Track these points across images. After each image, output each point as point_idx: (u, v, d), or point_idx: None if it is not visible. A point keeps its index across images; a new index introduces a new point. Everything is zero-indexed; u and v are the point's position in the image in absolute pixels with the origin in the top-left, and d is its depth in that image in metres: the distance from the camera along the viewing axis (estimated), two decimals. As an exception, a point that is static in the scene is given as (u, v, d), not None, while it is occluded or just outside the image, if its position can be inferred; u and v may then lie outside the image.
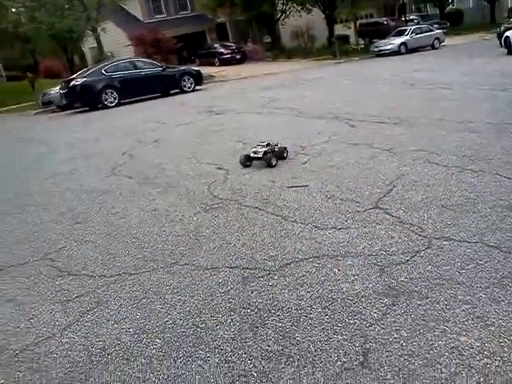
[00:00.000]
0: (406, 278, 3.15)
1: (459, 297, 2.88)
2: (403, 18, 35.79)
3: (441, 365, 2.36)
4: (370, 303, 2.95)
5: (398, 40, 26.44)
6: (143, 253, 4.15)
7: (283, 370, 2.51)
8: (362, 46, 29.73)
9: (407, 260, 3.37)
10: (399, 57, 24.47)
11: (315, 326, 2.81)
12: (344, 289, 3.15)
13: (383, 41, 27.24)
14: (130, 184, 6.40)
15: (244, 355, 2.66)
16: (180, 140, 9.06)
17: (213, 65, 30.69)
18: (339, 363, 2.48)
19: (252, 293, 3.26)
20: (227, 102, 14.03)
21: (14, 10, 34.70)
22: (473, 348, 2.45)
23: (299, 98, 12.35)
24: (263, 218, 4.51)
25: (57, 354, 2.91)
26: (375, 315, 2.82)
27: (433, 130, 7.09)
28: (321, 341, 2.68)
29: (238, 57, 31.57)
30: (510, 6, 40.54)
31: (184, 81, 18.80)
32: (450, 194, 4.48)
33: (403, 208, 4.29)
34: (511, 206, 4.05)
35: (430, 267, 3.25)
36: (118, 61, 19.11)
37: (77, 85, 16.85)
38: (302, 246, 3.82)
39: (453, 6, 42.60)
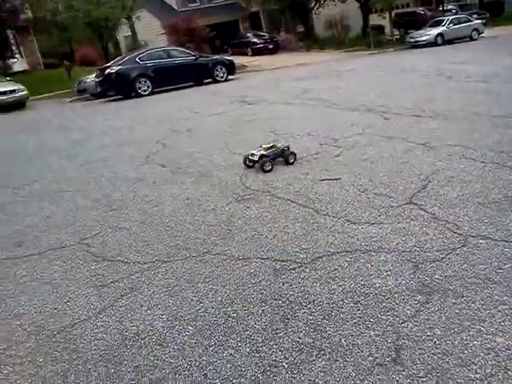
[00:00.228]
0: (440, 275, 3.12)
1: (495, 297, 2.83)
2: (441, 8, 34.98)
3: (476, 365, 2.33)
4: (403, 300, 2.93)
5: (435, 31, 25.87)
6: (176, 241, 4.20)
7: (314, 362, 2.52)
8: (397, 37, 29.19)
9: (442, 258, 3.33)
10: (435, 48, 23.95)
11: (347, 321, 2.81)
12: (377, 284, 3.13)
13: (419, 31, 26.69)
14: (163, 172, 6.47)
15: (275, 346, 2.68)
16: (212, 130, 9.11)
17: (245, 54, 30.62)
18: (371, 358, 2.47)
19: (283, 285, 3.27)
20: (260, 92, 14.01)
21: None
22: (510, 350, 2.41)
23: (332, 89, 12.24)
24: (295, 211, 4.51)
25: (92, 336, 2.99)
26: (408, 312, 2.80)
27: (469, 124, 6.95)
28: (352, 335, 2.68)
29: (270, 47, 31.40)
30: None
31: (217, 70, 18.84)
32: (488, 192, 4.39)
33: (438, 204, 4.23)
34: (551, 205, 3.95)
35: (465, 266, 3.20)
36: (152, 49, 19.25)
37: (111, 73, 17.07)
38: (335, 240, 3.81)
39: (493, -5, 41.38)
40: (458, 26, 26.51)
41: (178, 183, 5.88)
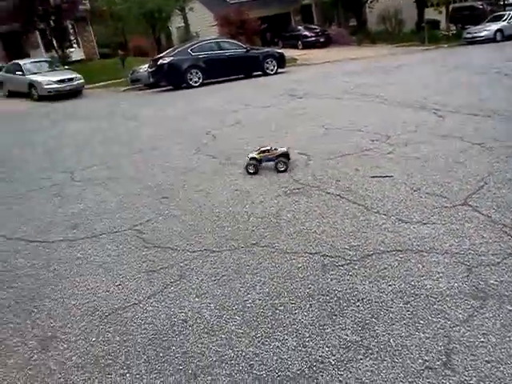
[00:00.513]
0: (495, 280, 3.02)
1: (555, 305, 2.73)
2: (501, 2, 33.56)
3: (533, 376, 2.26)
4: (456, 303, 2.86)
5: (494, 26, 24.86)
6: (224, 231, 4.25)
7: (361, 361, 2.50)
8: (454, 32, 28.26)
9: (498, 262, 3.23)
10: (494, 44, 23.04)
11: (396, 321, 2.77)
12: (428, 286, 3.07)
13: (477, 27, 25.74)
14: (213, 163, 6.54)
15: (322, 342, 2.68)
16: (262, 122, 9.12)
17: (296, 48, 30.40)
18: (420, 361, 2.43)
19: (331, 281, 3.26)
20: (310, 86, 13.91)
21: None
22: None
23: (384, 85, 12.01)
24: (345, 207, 4.47)
25: (142, 320, 3.07)
26: (460, 316, 2.74)
27: (530, 125, 6.68)
28: (401, 336, 2.64)
29: (321, 40, 31.04)
30: None
31: (267, 63, 18.81)
32: (548, 196, 4.21)
33: (495, 207, 4.10)
34: None
35: (523, 271, 3.09)
36: (204, 41, 19.39)
37: (164, 63, 17.32)
38: (385, 238, 3.76)
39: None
40: (520, 21, 25.37)
41: (228, 174, 5.93)
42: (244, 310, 3.04)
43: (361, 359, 2.51)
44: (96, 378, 2.60)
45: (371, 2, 31.09)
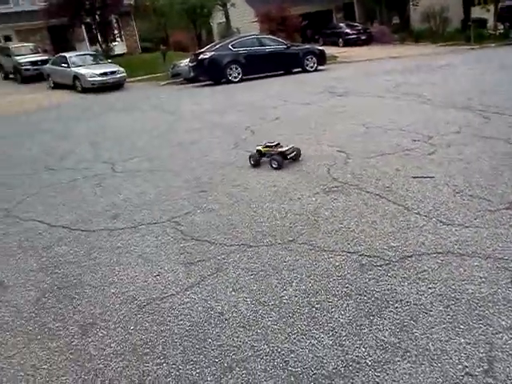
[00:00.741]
0: (541, 287, 2.93)
1: None
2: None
3: None
4: (499, 310, 2.78)
5: (544, 26, 24.01)
6: (262, 227, 4.25)
7: (399, 363, 2.46)
8: (501, 31, 27.41)
9: (544, 269, 3.13)
10: (544, 45, 22.27)
11: (436, 325, 2.72)
12: (469, 290, 3.00)
13: (526, 27, 24.89)
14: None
15: (358, 342, 2.65)
16: (301, 119, 9.07)
17: (336, 45, 30.12)
18: (460, 367, 2.38)
19: (369, 281, 3.22)
20: (350, 83, 13.76)
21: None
22: None
23: (427, 84, 11.77)
24: (384, 207, 4.41)
25: (179, 311, 3.10)
26: (504, 323, 2.66)
27: None
28: (441, 340, 2.59)
29: (363, 38, 30.64)
30: None
31: (307, 60, 18.69)
32: None
33: (542, 212, 3.97)
34: None
35: None
36: (245, 36, 19.43)
37: (205, 58, 17.45)
38: (425, 240, 3.69)
39: None
40: None
41: (266, 170, 5.93)
42: (280, 306, 3.04)
43: (398, 361, 2.48)
44: (134, 365, 2.65)
45: (415, 0, 30.45)
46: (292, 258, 3.63)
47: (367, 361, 2.51)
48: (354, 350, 2.60)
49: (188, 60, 19.03)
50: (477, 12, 29.52)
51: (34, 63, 23.33)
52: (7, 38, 29.16)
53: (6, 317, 3.26)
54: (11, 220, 5.14)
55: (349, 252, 3.64)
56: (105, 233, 4.49)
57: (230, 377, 2.49)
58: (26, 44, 26.09)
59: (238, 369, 2.53)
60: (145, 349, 2.77)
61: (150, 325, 2.99)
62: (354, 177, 5.31)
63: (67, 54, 21.30)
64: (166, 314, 3.09)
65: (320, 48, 20.29)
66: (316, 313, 2.94)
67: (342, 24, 33.08)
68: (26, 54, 24.00)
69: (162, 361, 2.66)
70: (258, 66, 17.77)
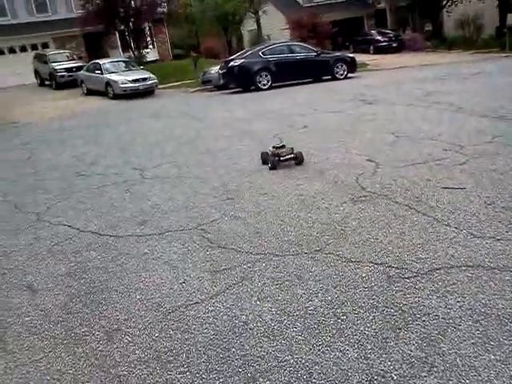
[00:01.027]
0: None
1: None
2: None
3: None
4: (530, 326, 2.70)
5: None
6: (288, 236, 4.24)
7: (425, 378, 2.42)
8: (538, 39, 26.78)
9: None
10: None
11: (464, 340, 2.65)
12: (500, 305, 2.92)
13: None
14: (279, 167, 6.53)
15: (384, 355, 2.61)
16: (330, 127, 9.03)
17: (367, 52, 29.90)
18: (489, 384, 2.32)
19: (396, 293, 3.17)
20: (380, 91, 13.63)
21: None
22: None
23: (459, 93, 11.57)
24: (413, 217, 4.34)
25: (203, 319, 3.11)
26: (536, 340, 2.59)
27: None
28: (469, 356, 2.53)
29: (394, 45, 30.33)
30: None
31: (337, 67, 18.59)
32: None
33: None
34: None
35: None
36: (276, 44, 19.46)
37: (235, 65, 17.54)
38: (455, 252, 3.61)
39: None
40: None
41: (293, 179, 5.91)
42: (305, 317, 3.02)
43: (425, 376, 2.43)
44: (157, 373, 2.66)
45: (449, 7, 30.02)
46: (318, 269, 3.60)
47: (393, 375, 2.46)
48: (380, 363, 2.56)
49: (218, 67, 19.17)
50: (513, 19, 28.87)
51: (68, 70, 23.89)
52: (45, 45, 29.98)
53: (34, 320, 3.33)
54: (42, 224, 5.26)
55: (376, 263, 3.59)
56: (132, 239, 4.54)
57: (253, 387, 2.48)
58: (61, 51, 26.78)
59: (261, 379, 2.52)
60: (169, 356, 2.79)
61: (174, 332, 3.00)
62: (382, 186, 5.25)
63: (101, 61, 21.74)
64: (191, 321, 3.10)
65: (350, 55, 20.17)
66: (341, 324, 2.91)
67: (373, 31, 32.85)
68: (61, 61, 24.61)
69: (186, 369, 2.66)
70: (288, 73, 17.76)
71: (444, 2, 30.32)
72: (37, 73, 26.57)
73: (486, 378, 2.36)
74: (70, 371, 2.76)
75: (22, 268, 4.20)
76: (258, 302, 3.24)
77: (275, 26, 33.68)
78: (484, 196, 4.66)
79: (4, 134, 13.43)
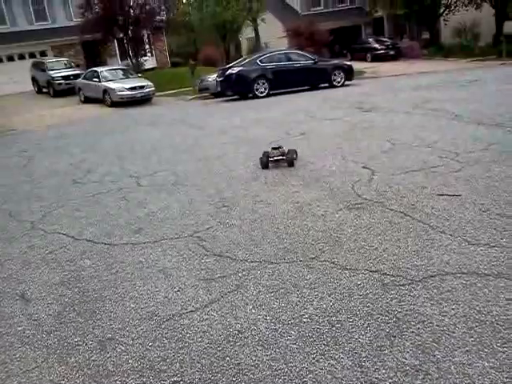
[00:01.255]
0: None
1: None
2: None
3: None
4: (525, 333, 2.70)
5: None
6: (284, 243, 4.23)
7: (419, 386, 2.40)
8: (534, 47, 26.93)
9: None
10: None
11: (458, 347, 2.65)
12: (494, 312, 2.92)
13: (559, 42, 24.38)
14: (275, 174, 6.55)
15: (379, 363, 2.60)
16: (327, 134, 9.04)
17: (365, 60, 30.05)
18: (483, 392, 2.31)
19: (391, 300, 3.16)
20: (377, 99, 13.67)
21: (184, 1, 37.55)
22: None
23: (455, 101, 11.60)
24: (408, 225, 4.34)
25: (198, 328, 3.10)
26: (530, 347, 2.58)
27: None
28: (463, 364, 2.52)
29: (391, 53, 30.48)
30: None
31: (335, 75, 18.66)
32: None
33: None
34: None
35: None
36: (274, 52, 19.52)
37: (232, 73, 17.59)
38: (450, 260, 3.61)
39: None
40: None
41: (289, 186, 5.91)
42: (300, 325, 3.01)
43: (419, 385, 2.42)
44: (150, 383, 2.64)
45: (447, 15, 30.20)
46: (313, 276, 3.60)
47: (387, 383, 2.45)
48: (374, 371, 2.55)
49: (216, 75, 19.22)
50: (510, 27, 29.07)
51: (66, 78, 23.95)
52: (42, 53, 30.08)
53: (26, 330, 3.31)
54: (37, 232, 5.24)
55: (371, 271, 3.59)
56: (127, 247, 4.53)
57: (246, 396, 2.46)
58: (59, 59, 26.87)
59: (254, 388, 2.51)
60: (162, 366, 2.77)
61: (168, 341, 2.99)
62: (378, 194, 5.25)
63: (99, 69, 21.80)
64: (185, 330, 3.09)
65: (348, 63, 20.24)
66: (336, 332, 2.90)
67: (370, 39, 33.03)
68: (59, 69, 24.67)
69: (179, 379, 2.65)
70: (285, 81, 17.82)
71: (441, 11, 30.51)
72: (34, 80, 26.64)
73: (480, 386, 2.34)
74: (63, 382, 2.74)
75: (15, 277, 4.18)
76: (253, 310, 3.23)
77: (273, 34, 33.86)
78: (479, 203, 4.67)
79: (1, 141, 13.44)
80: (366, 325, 2.94)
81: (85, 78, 21.92)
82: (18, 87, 26.67)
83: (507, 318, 2.85)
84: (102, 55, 30.96)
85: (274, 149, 7.07)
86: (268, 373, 2.62)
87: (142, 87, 20.04)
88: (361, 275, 3.54)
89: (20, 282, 4.07)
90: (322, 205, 5.09)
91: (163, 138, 10.83)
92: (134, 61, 28.15)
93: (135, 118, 15.75)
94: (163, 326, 3.15)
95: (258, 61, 18.03)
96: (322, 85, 18.48)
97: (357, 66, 22.05)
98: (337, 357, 2.69)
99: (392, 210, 4.75)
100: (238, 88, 18.00)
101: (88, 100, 21.39)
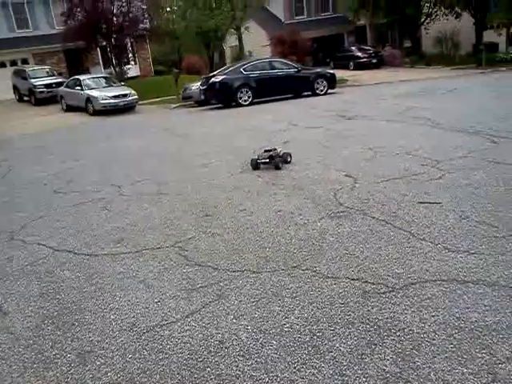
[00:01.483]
0: (547, 317, 2.86)
1: None
2: None
3: None
4: (502, 339, 2.73)
5: (555, 50, 23.95)
6: (266, 252, 4.23)
7: (400, 394, 2.41)
8: (513, 56, 27.45)
9: (551, 298, 3.06)
10: (555, 69, 22.22)
11: (438, 354, 2.67)
12: (473, 319, 2.94)
13: (537, 51, 24.88)
14: (258, 183, 6.55)
15: (359, 371, 2.60)
16: (309, 143, 9.08)
17: (347, 68, 30.30)
18: (462, 399, 2.32)
19: (372, 308, 3.18)
20: (360, 107, 13.80)
21: (168, 9, 37.58)
22: None
23: (437, 108, 11.76)
24: (390, 232, 4.37)
25: (178, 339, 3.07)
26: (507, 353, 2.61)
27: None
28: (443, 370, 2.54)
29: (374, 61, 30.79)
30: None
31: (317, 83, 18.77)
32: None
33: (549, 239, 3.90)
34: None
35: None
36: (257, 60, 19.60)
37: (216, 82, 17.59)
38: (430, 267, 3.64)
39: None
40: None
41: (272, 194, 5.92)
42: (281, 335, 3.00)
43: (399, 393, 2.42)
44: (130, 394, 2.61)
45: (428, 23, 30.66)
46: (295, 285, 3.60)
47: (367, 392, 2.46)
48: (355, 379, 2.55)
49: (199, 83, 19.22)
50: (490, 36, 29.57)
51: (48, 86, 23.76)
52: (24, 61, 29.84)
53: (2, 344, 3.24)
54: (16, 244, 5.16)
55: (353, 279, 3.60)
56: (108, 257, 4.49)
57: (226, 408, 2.45)
58: (41, 67, 26.64)
59: (235, 399, 2.49)
60: (142, 378, 2.74)
61: (148, 353, 2.96)
62: (360, 202, 5.28)
63: (81, 77, 21.65)
64: (166, 341, 3.06)
65: (331, 71, 20.40)
66: (317, 341, 2.90)
67: (353, 47, 33.33)
68: (41, 77, 24.46)
69: (159, 390, 2.62)
70: (269, 89, 17.88)
71: (422, 20, 30.96)
72: (15, 88, 26.39)
73: (459, 394, 2.36)
74: (40, 396, 2.70)
75: (-7, 289, 4.11)
76: (235, 320, 3.21)
77: (257, 43, 34.04)
78: (459, 210, 4.72)
79: (-19, 152, 13.26)
80: (347, 333, 2.94)
81: (67, 87, 21.76)
82: (-1, 95, 26.42)
83: (485, 324, 2.88)
84: (84, 63, 30.81)
85: (266, 151, 7.38)
86: (249, 383, 2.60)
87: (125, 95, 19.95)
88: (342, 283, 3.54)
89: (-2, 294, 4.01)
90: (305, 213, 5.11)
91: (146, 147, 10.78)
92: (117, 69, 28.02)
93: (118, 127, 15.67)
94: (143, 338, 3.12)
95: (241, 69, 18.08)
96: (306, 93, 18.59)
97: (340, 74, 22.25)
98: (318, 366, 2.69)
99: (374, 217, 4.78)
100: (222, 96, 18.01)
101: (70, 108, 21.23)
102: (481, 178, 5.67)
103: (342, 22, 36.21)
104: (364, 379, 2.54)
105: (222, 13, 30.13)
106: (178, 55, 39.83)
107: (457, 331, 2.85)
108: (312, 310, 3.24)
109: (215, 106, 18.42)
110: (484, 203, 4.83)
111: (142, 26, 28.45)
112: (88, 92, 19.95)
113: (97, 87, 20.54)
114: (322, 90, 18.74)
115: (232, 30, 33.56)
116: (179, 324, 3.24)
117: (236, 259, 4.14)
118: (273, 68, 18.61)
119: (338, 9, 36.62)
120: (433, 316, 3.02)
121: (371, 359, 2.69)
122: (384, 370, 2.60)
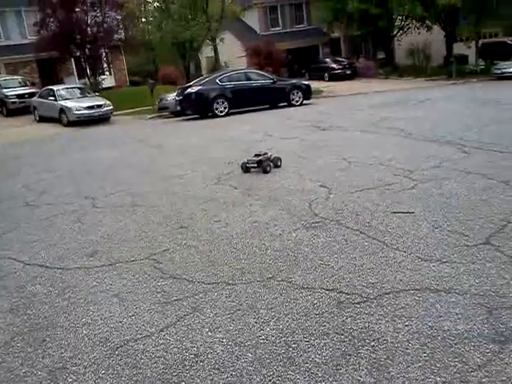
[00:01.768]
0: (517, 325, 2.92)
1: None
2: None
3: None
4: (474, 346, 2.76)
5: (523, 62, 24.63)
6: (241, 264, 4.22)
7: (374, 405, 2.42)
8: (483, 67, 28.15)
9: (520, 305, 3.12)
10: (524, 80, 22.82)
11: (412, 363, 2.69)
12: (445, 327, 2.98)
13: (506, 62, 25.54)
14: (233, 194, 6.55)
15: (334, 382, 2.61)
16: (284, 153, 9.07)
17: (322, 79, 30.64)
18: (435, 408, 2.34)
19: (347, 319, 3.19)
20: (334, 118, 13.95)
21: (144, 19, 37.50)
22: None
23: (410, 119, 11.97)
24: (364, 242, 4.41)
25: (153, 353, 3.03)
26: (479, 360, 2.64)
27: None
28: (417, 379, 2.56)
29: (348, 72, 31.25)
30: None
31: (293, 94, 18.94)
32: None
33: (518, 247, 3.98)
34: None
35: (546, 317, 2.97)
36: (233, 71, 19.70)
37: (192, 92, 17.59)
38: (403, 277, 3.68)
39: None
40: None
41: (248, 205, 5.92)
42: (257, 347, 2.99)
43: (374, 403, 2.43)
44: (102, 411, 2.57)
45: (400, 35, 31.27)
46: (270, 296, 3.59)
47: (342, 403, 2.46)
48: (330, 391, 2.55)
49: (175, 94, 19.19)
50: (460, 48, 30.28)
51: (20, 96, 23.40)
52: (-5, 71, 29.35)
53: (-30, 362, 3.16)
54: (-14, 258, 5.05)
55: (327, 289, 3.61)
56: (81, 271, 4.41)
57: (200, 423, 2.42)
58: (14, 77, 26.19)
59: (209, 414, 2.47)
60: (115, 394, 2.69)
61: (122, 368, 2.91)
62: (335, 212, 5.32)
63: (55, 87, 21.39)
64: (140, 356, 3.02)
65: (306, 83, 20.61)
66: (292, 353, 2.90)
67: (327, 59, 33.76)
68: (13, 87, 24.07)
69: (132, 406, 2.58)
70: (245, 100, 17.95)
71: (395, 32, 31.56)
72: (-14, 99, 25.92)
73: (433, 403, 2.38)
74: (9, 415, 2.63)
75: (-38, 306, 4.00)
76: (210, 333, 3.19)
77: (233, 54, 34.20)
78: (431, 220, 4.79)
79: (-49, 164, 12.96)
80: (322, 344, 2.95)
81: (40, 97, 21.46)
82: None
83: (457, 332, 2.92)
84: (58, 73, 30.45)
85: (256, 155, 7.69)
86: (224, 397, 2.58)
87: (99, 106, 19.76)
88: (317, 294, 3.55)
89: (-34, 311, 3.90)
90: (280, 224, 5.12)
91: (121, 158, 10.68)
92: (91, 79, 27.77)
93: (92, 138, 15.51)
94: (117, 353, 3.07)
95: (217, 80, 18.13)
96: (281, 104, 18.72)
97: (315, 85, 22.48)
98: (293, 378, 2.68)
99: (348, 227, 4.82)
100: (198, 107, 18.01)
101: (43, 119, 20.91)
102: (452, 187, 5.77)
103: (316, 34, 36.68)
104: (339, 390, 2.55)
105: (198, 24, 30.18)
106: (154, 66, 39.73)
107: (430, 340, 2.88)
108: (287, 321, 3.24)
109: (191, 116, 18.39)
110: (455, 212, 4.92)
111: (116, 36, 28.30)
112: (62, 102, 19.71)
113: (71, 98, 20.30)
114: (297, 101, 18.90)
115: (208, 41, 33.65)
116: (153, 338, 3.20)
117: (211, 271, 4.12)
118: (248, 79, 18.72)
119: (312, 21, 37.10)
120: (406, 325, 3.05)
121: (346, 370, 2.70)
122: (359, 380, 2.60)
